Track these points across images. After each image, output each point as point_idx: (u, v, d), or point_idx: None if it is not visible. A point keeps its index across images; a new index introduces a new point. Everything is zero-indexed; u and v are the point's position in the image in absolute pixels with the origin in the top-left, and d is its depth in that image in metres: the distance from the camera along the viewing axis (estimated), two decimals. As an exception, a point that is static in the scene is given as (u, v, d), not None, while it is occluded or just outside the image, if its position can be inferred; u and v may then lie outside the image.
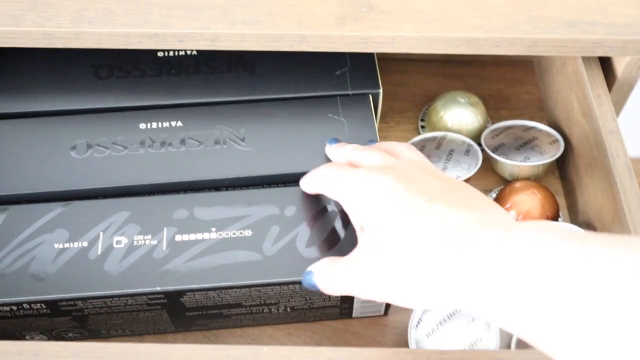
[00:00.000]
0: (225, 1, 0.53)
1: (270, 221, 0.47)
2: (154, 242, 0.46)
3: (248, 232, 0.47)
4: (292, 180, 0.51)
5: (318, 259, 0.45)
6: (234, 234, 0.46)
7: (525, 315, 0.33)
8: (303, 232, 0.47)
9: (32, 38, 0.51)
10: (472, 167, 0.56)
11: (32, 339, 0.48)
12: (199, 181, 0.50)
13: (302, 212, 0.48)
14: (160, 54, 0.58)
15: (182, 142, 0.52)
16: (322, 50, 0.52)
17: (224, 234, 0.46)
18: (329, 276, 0.43)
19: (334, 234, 0.47)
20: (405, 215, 0.38)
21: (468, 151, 0.57)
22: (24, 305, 0.44)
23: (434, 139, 0.59)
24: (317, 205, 0.48)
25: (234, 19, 0.51)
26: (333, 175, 0.45)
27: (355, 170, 0.43)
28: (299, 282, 0.45)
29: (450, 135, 0.59)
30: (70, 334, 0.49)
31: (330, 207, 0.48)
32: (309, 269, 0.44)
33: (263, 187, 0.50)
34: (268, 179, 0.51)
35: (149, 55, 0.57)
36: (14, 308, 0.44)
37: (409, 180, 0.40)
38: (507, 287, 0.33)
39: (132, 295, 0.44)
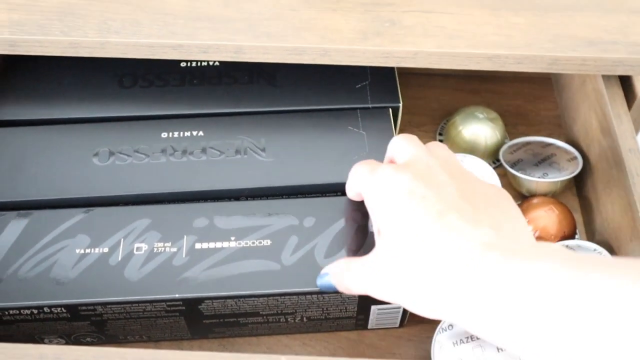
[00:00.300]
0: (250, 14, 0.53)
1: (290, 231, 0.47)
2: (174, 249, 0.46)
3: (267, 242, 0.47)
4: (312, 191, 0.52)
5: None
6: (253, 243, 0.47)
7: (518, 346, 0.34)
8: (322, 243, 0.47)
9: (59, 47, 0.52)
10: None
11: (50, 342, 0.49)
12: (219, 190, 0.51)
13: (321, 223, 0.48)
14: (183, 64, 0.59)
15: (203, 151, 0.53)
16: (344, 64, 0.52)
17: (243, 243, 0.47)
18: (344, 277, 0.43)
19: (353, 245, 0.47)
20: (418, 225, 0.38)
21: (490, 178, 0.57)
22: (45, 309, 0.44)
23: None
24: (336, 217, 0.48)
25: (258, 32, 0.52)
26: (359, 172, 0.45)
27: (377, 170, 0.43)
28: (317, 293, 0.45)
29: (468, 158, 0.59)
30: (88, 339, 0.49)
31: (350, 219, 0.48)
32: (324, 270, 0.45)
33: (283, 198, 0.51)
34: (288, 189, 0.51)
35: (172, 65, 0.58)
36: (35, 312, 0.44)
37: (427, 183, 0.40)
38: (498, 316, 0.35)
39: (150, 302, 0.45)
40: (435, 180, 0.40)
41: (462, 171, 0.43)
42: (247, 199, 0.52)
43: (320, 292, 0.46)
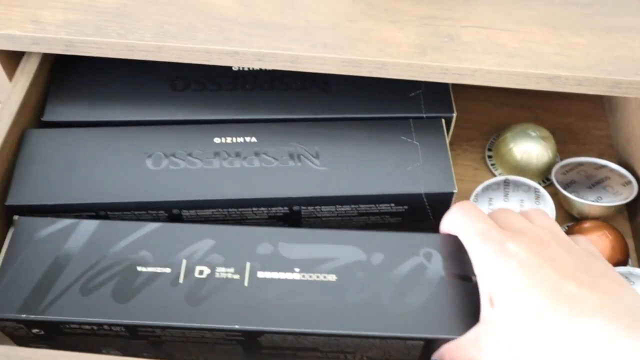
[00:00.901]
0: (308, 23, 0.53)
1: (356, 267, 0.45)
2: (236, 276, 0.45)
3: (332, 277, 0.45)
4: (365, 202, 0.51)
5: (402, 314, 0.44)
6: (317, 277, 0.45)
7: None
8: (389, 283, 0.45)
9: (115, 49, 0.52)
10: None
11: (107, 354, 0.48)
12: (273, 199, 0.50)
13: (390, 261, 0.46)
14: (235, 68, 0.58)
15: (257, 157, 0.52)
16: (401, 78, 0.52)
17: (307, 276, 0.45)
18: (458, 355, 0.43)
19: (422, 289, 0.45)
20: (535, 295, 0.39)
21: (538, 197, 0.57)
22: (104, 326, 0.44)
23: (497, 185, 0.58)
24: (405, 256, 0.46)
25: (315, 42, 0.52)
26: (471, 223, 0.44)
27: (488, 236, 0.43)
28: (380, 337, 0.44)
29: (512, 178, 0.58)
30: (145, 354, 0.48)
31: (419, 260, 0.46)
32: (435, 355, 0.44)
33: (349, 229, 0.49)
34: (341, 199, 0.51)
35: (224, 69, 0.58)
36: (95, 327, 0.44)
37: (542, 253, 0.40)
38: None
39: (210, 330, 0.43)
40: (549, 251, 0.41)
41: (569, 242, 0.43)
42: (309, 220, 0.51)
43: (384, 337, 0.44)
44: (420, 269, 0.46)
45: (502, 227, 0.44)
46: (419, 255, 0.46)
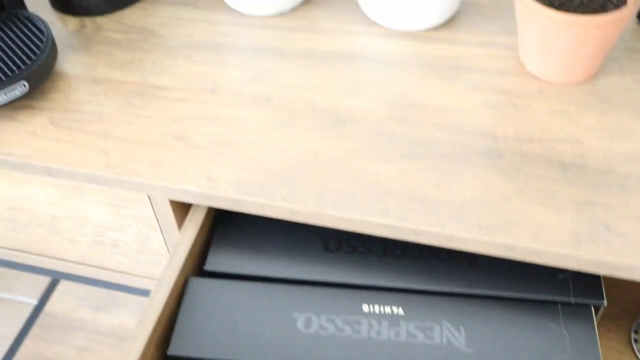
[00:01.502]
0: (462, 199, 0.54)
1: None
2: None
3: None
4: None
5: None
6: None
7: None
8: None
9: (278, 211, 0.56)
10: None
11: None
12: None
13: None
14: (385, 231, 0.60)
15: (403, 330, 0.53)
16: (553, 265, 0.52)
17: None
18: None
19: None
20: None
21: None
22: None
23: None
24: None
25: (470, 222, 0.53)
26: None
27: None
28: None
29: None
30: None
31: None
32: None
33: None
34: None
35: (375, 232, 0.60)
36: None
37: None
38: None
39: None
40: None
41: None
42: None
43: None
44: None
45: None
46: None
